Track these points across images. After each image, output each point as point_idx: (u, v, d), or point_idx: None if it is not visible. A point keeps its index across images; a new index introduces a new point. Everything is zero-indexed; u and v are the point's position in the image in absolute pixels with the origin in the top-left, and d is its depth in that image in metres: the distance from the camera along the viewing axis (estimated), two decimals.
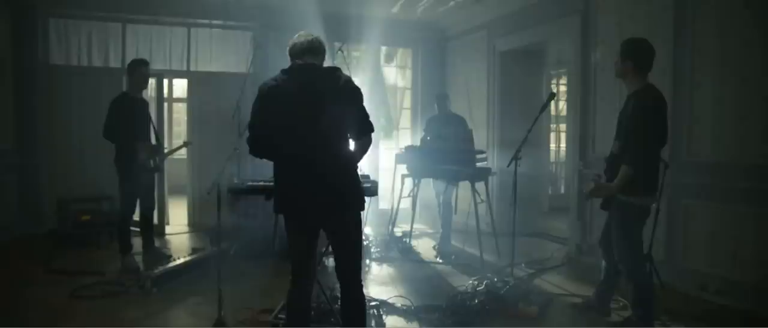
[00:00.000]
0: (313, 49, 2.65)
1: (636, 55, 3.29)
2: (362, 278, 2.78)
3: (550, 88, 8.20)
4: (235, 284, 4.20)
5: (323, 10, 6.69)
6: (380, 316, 3.63)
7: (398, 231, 6.35)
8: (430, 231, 6.87)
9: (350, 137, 2.63)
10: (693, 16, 4.23)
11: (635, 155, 3.20)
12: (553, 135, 8.90)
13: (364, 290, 2.66)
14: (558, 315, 3.85)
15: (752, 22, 3.82)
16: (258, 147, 2.57)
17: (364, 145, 2.65)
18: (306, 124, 2.50)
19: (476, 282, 4.21)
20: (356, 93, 2.61)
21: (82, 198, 5.77)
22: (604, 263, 3.73)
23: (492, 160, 6.48)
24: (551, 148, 8.82)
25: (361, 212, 2.69)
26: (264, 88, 2.55)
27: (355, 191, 2.63)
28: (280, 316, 3.42)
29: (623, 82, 3.49)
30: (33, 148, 6.20)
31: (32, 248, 5.56)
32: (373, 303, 3.81)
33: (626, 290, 3.79)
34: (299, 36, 2.69)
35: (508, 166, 4.38)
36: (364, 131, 2.63)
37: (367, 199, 2.74)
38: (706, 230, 4.17)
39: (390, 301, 3.92)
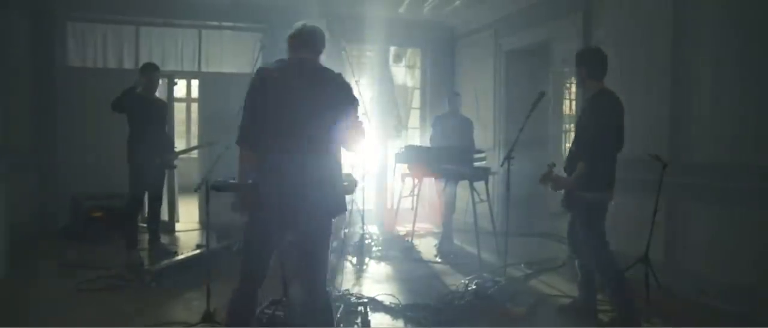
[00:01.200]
0: (310, 43, 2.57)
1: (588, 63, 3.48)
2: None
3: (565, 87, 8.10)
4: (233, 279, 4.30)
5: (332, 11, 6.80)
6: (366, 314, 3.66)
7: (402, 230, 6.39)
8: (436, 230, 6.87)
9: (340, 141, 2.57)
10: (692, 13, 4.15)
11: (589, 152, 3.35)
12: (571, 135, 8.78)
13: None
14: (546, 316, 3.82)
15: (752, 21, 3.73)
16: (247, 138, 2.49)
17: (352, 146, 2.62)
18: (296, 121, 2.44)
19: (468, 282, 4.21)
20: (353, 100, 2.57)
21: (93, 196, 5.98)
22: (577, 262, 3.74)
23: (498, 159, 6.45)
24: (566, 147, 8.70)
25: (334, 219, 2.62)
26: (258, 79, 2.49)
27: (336, 195, 2.56)
28: (266, 311, 3.48)
29: (580, 88, 3.60)
30: (50, 148, 6.45)
31: (48, 243, 5.79)
32: (361, 301, 3.86)
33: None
34: (297, 29, 2.60)
35: (501, 165, 4.37)
36: (355, 139, 2.58)
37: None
38: (706, 232, 4.09)
39: (378, 299, 3.96)
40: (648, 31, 4.55)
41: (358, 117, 2.60)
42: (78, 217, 5.91)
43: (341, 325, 3.45)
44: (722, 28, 3.93)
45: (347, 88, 2.58)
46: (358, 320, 3.60)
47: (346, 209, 2.62)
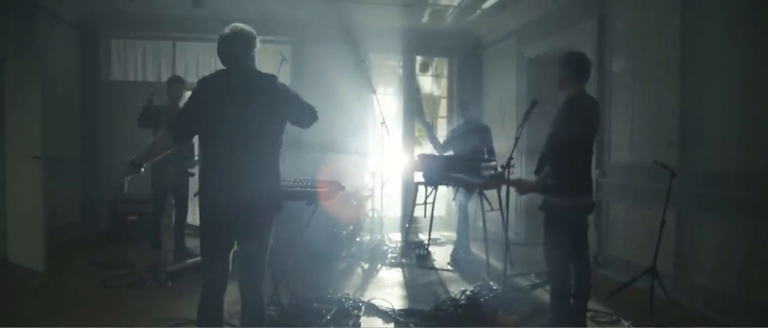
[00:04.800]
0: (229, 53, 2.64)
1: (566, 69, 3.38)
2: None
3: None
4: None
5: (356, 22, 6.97)
6: (358, 317, 3.76)
7: (424, 238, 6.43)
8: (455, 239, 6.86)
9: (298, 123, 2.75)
10: (701, 22, 4.02)
11: (552, 154, 3.30)
12: None
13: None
14: (537, 324, 3.77)
15: (761, 29, 3.57)
16: (176, 129, 2.63)
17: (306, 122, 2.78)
18: (230, 128, 2.52)
19: (467, 289, 4.22)
20: (288, 95, 2.67)
21: (129, 200, 6.39)
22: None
23: (519, 166, 6.40)
24: None
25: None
26: (197, 89, 2.60)
27: (270, 196, 2.63)
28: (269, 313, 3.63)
29: (559, 91, 3.48)
30: (95, 155, 6.97)
31: (89, 243, 6.26)
32: (356, 304, 3.96)
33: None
34: (219, 40, 2.66)
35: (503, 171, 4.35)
36: (308, 121, 2.76)
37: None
38: (716, 243, 3.93)
39: (374, 303, 4.04)
40: (657, 39, 4.45)
41: (300, 101, 2.72)
42: (115, 220, 6.35)
43: (331, 327, 3.58)
44: (731, 36, 3.80)
45: (279, 90, 2.65)
46: (350, 323, 3.70)
47: (280, 209, 2.69)
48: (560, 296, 3.41)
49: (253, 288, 2.69)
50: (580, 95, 3.35)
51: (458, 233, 5.75)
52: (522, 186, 3.59)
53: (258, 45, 2.72)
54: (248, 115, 2.55)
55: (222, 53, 2.66)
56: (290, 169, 6.35)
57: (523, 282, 4.78)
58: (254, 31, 2.72)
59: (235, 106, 2.54)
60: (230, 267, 2.72)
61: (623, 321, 3.76)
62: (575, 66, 3.36)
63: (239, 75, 2.63)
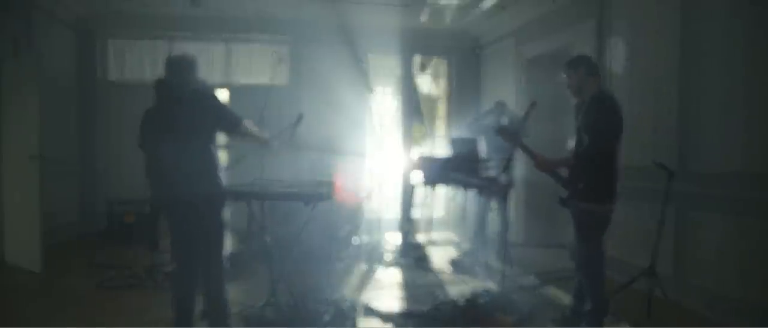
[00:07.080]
0: (168, 72, 3.12)
1: (585, 64, 3.40)
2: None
3: None
4: (244, 281, 4.56)
5: (355, 22, 6.96)
6: (354, 318, 3.75)
7: (422, 238, 6.42)
8: (456, 240, 6.87)
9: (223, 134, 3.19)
10: (700, 21, 4.01)
11: (591, 151, 3.25)
12: None
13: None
14: (536, 326, 3.76)
15: (761, 29, 3.56)
16: (140, 145, 3.23)
17: (244, 136, 3.19)
18: (165, 135, 3.03)
19: (466, 290, 4.22)
20: (208, 103, 3.10)
21: (126, 201, 6.38)
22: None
23: (519, 168, 6.39)
24: None
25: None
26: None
27: (202, 189, 3.03)
28: (255, 312, 3.63)
29: (578, 94, 3.46)
30: (92, 156, 6.96)
31: (87, 244, 6.24)
32: (354, 306, 3.95)
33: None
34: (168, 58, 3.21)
35: (500, 174, 4.36)
36: (231, 128, 3.15)
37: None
38: (716, 244, 3.92)
39: (372, 304, 4.03)
40: (656, 39, 4.44)
41: (223, 110, 3.14)
42: (113, 220, 6.33)
43: None
44: (730, 35, 3.79)
45: (206, 100, 3.11)
46: (348, 324, 3.69)
47: (217, 201, 3.13)
48: (600, 311, 3.40)
49: (207, 284, 3.14)
50: (605, 92, 3.36)
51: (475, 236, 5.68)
52: (539, 160, 3.44)
53: (198, 67, 3.21)
54: (174, 124, 3.00)
55: (164, 71, 3.17)
56: (289, 170, 6.39)
57: (522, 283, 4.77)
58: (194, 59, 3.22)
59: (166, 119, 3.03)
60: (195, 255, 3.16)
61: (622, 322, 3.75)
62: (590, 64, 3.39)
63: (168, 90, 3.10)
